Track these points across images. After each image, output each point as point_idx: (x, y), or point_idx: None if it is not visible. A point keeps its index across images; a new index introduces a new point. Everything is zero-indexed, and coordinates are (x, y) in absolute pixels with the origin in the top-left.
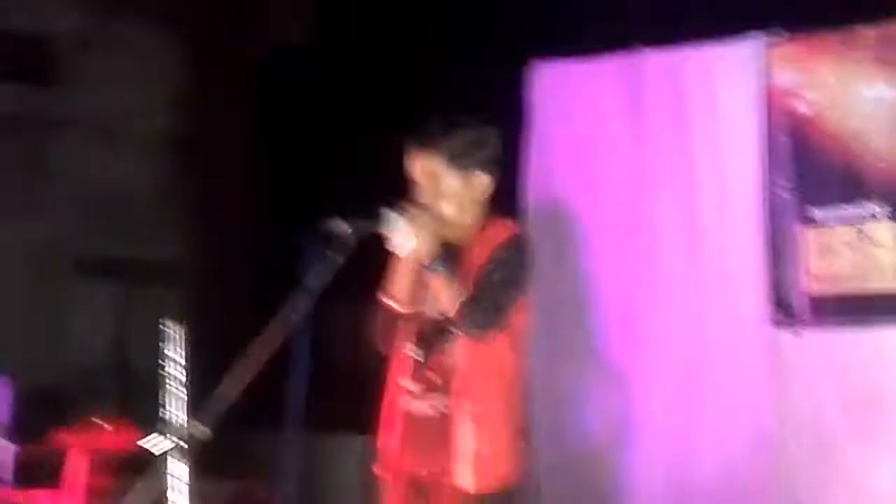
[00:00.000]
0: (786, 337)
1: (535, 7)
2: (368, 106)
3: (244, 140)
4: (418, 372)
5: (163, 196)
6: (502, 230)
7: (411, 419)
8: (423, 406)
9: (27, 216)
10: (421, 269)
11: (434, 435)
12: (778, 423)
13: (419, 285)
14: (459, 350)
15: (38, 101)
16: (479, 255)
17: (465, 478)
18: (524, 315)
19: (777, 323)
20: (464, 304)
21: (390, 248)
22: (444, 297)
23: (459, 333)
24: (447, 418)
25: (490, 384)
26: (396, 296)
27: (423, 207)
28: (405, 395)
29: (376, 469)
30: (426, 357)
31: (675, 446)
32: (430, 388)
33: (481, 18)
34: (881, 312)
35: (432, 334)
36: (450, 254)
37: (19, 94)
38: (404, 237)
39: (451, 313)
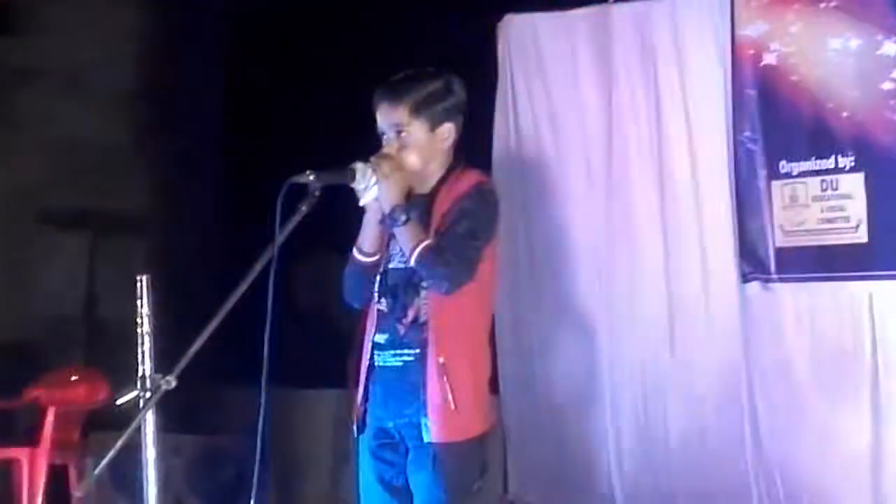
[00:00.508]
0: (754, 290)
1: None
2: (338, 59)
3: (213, 92)
4: (386, 324)
5: (131, 147)
6: (467, 180)
7: (380, 371)
8: (392, 358)
9: None
10: (387, 220)
11: (402, 387)
12: (747, 377)
13: (387, 237)
14: (426, 302)
15: (2, 52)
16: (443, 205)
17: (434, 428)
18: (491, 266)
19: (746, 276)
20: (429, 256)
21: (359, 201)
22: (410, 248)
23: (426, 285)
24: (414, 370)
25: (457, 335)
26: (364, 247)
27: (389, 157)
28: (374, 348)
29: (350, 423)
30: (394, 309)
31: (644, 400)
32: (399, 339)
33: None
34: (848, 265)
35: (400, 286)
36: (415, 204)
37: None
38: (369, 188)
39: (416, 264)
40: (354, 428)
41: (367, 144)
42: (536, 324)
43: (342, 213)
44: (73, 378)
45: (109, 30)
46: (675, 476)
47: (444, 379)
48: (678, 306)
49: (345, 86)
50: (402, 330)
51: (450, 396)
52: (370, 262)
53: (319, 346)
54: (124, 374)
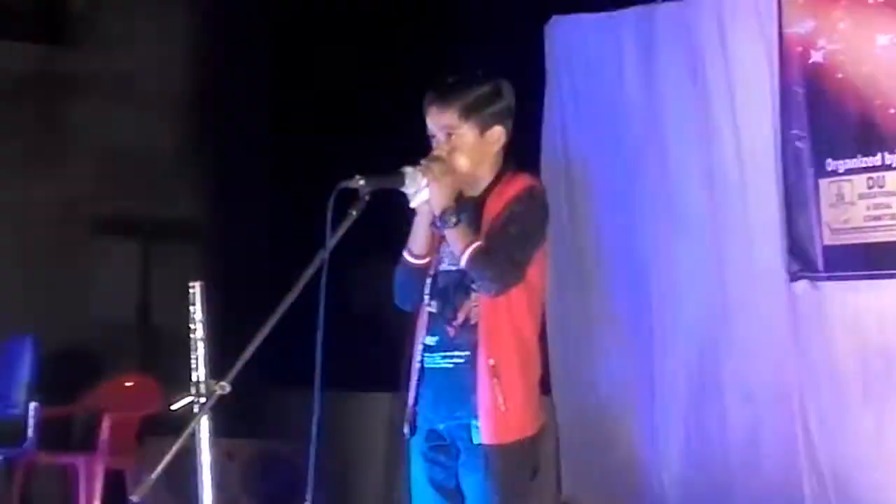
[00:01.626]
0: (803, 289)
1: None
2: (388, 64)
3: (263, 97)
4: (437, 326)
5: (182, 154)
6: (518, 183)
7: (430, 374)
8: (442, 360)
9: (46, 176)
10: (437, 223)
11: (453, 389)
12: (797, 376)
13: (437, 239)
14: (476, 304)
15: (53, 61)
16: (494, 208)
17: (484, 430)
18: (541, 268)
19: (794, 275)
20: (479, 258)
21: (409, 204)
22: (461, 251)
23: (476, 287)
24: (464, 373)
25: (507, 338)
26: (414, 250)
27: (439, 160)
28: (425, 350)
29: (403, 426)
30: (444, 311)
31: (694, 400)
32: (448, 342)
33: None
34: (894, 263)
35: (450, 288)
36: (466, 207)
37: (35, 53)
38: (420, 190)
39: (467, 265)
40: (406, 430)
41: (417, 148)
42: (586, 325)
43: (393, 216)
44: (128, 385)
45: (157, 37)
46: (728, 476)
47: (495, 381)
48: (727, 306)
49: (393, 89)
50: (451, 332)
51: (500, 398)
52: (421, 265)
53: (372, 350)
54: (179, 381)
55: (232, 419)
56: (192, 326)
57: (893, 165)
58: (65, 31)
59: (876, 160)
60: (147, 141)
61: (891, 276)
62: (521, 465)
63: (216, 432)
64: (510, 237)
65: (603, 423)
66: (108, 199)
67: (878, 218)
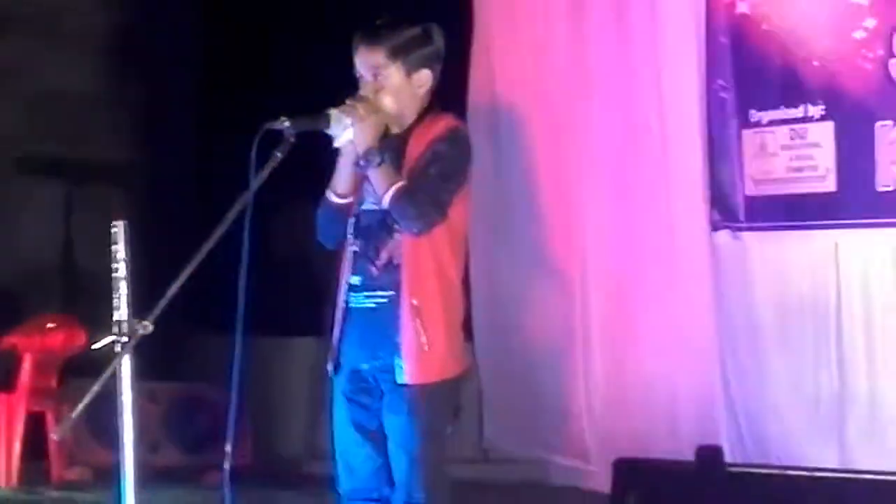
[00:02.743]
0: (724, 239)
1: None
2: (313, 7)
3: (189, 38)
4: (360, 266)
5: (107, 95)
6: (441, 123)
7: (354, 314)
8: (366, 300)
9: None
10: (360, 162)
11: (376, 329)
12: (715, 325)
13: (360, 179)
14: (399, 244)
15: None
16: (416, 148)
17: (407, 370)
18: (463, 210)
19: (716, 225)
20: (401, 197)
21: (333, 143)
22: (383, 189)
23: (398, 227)
24: (388, 312)
25: (430, 278)
26: (338, 189)
27: (365, 100)
28: (348, 289)
29: (328, 367)
30: (367, 251)
31: (614, 347)
32: (372, 281)
33: None
34: (815, 214)
35: (373, 228)
36: (389, 146)
37: None
38: (344, 130)
39: (389, 205)
40: (330, 367)
41: (342, 93)
42: (510, 273)
43: (317, 159)
44: (50, 325)
45: None
46: (647, 423)
47: (418, 321)
48: (648, 254)
49: (320, 33)
50: (375, 272)
51: (423, 338)
52: (343, 204)
53: (296, 294)
54: (102, 322)
55: (154, 361)
56: (114, 265)
57: (815, 117)
58: None
59: (798, 112)
60: (72, 81)
61: (810, 228)
62: (443, 405)
63: (138, 374)
64: (432, 177)
65: (525, 369)
66: (33, 139)
67: (799, 169)
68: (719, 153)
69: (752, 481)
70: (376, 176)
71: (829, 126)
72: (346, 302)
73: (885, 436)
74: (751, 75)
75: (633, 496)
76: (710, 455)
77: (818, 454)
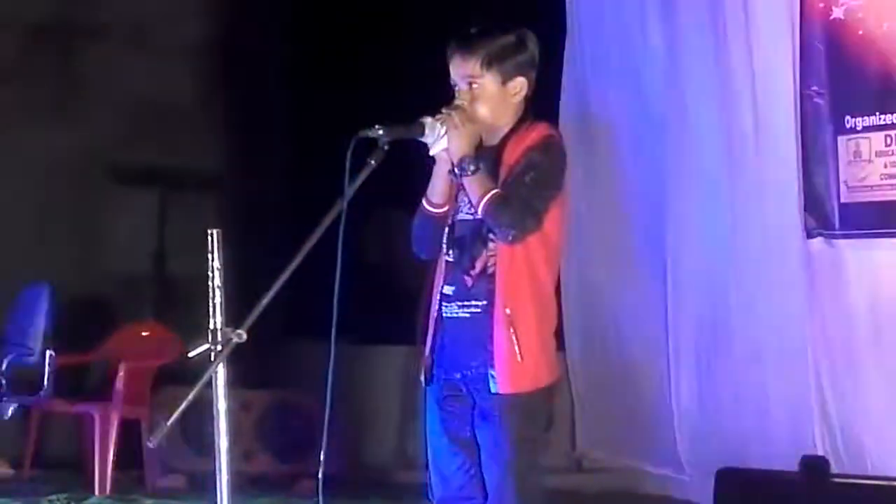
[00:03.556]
0: (818, 246)
1: None
2: (409, 15)
3: (283, 46)
4: (454, 275)
5: (200, 104)
6: (536, 132)
7: (448, 323)
8: (459, 309)
9: (63, 125)
10: (456, 171)
11: (469, 338)
12: (810, 332)
13: (455, 188)
14: (494, 253)
15: (70, 10)
16: (511, 156)
17: (500, 380)
18: (559, 219)
19: (810, 232)
20: (496, 205)
21: (429, 152)
22: (478, 197)
23: (493, 235)
24: (481, 322)
25: (524, 288)
26: (433, 198)
27: (460, 108)
28: (442, 299)
29: (418, 375)
30: (462, 260)
31: (707, 354)
32: (466, 291)
33: None
34: None
35: (468, 237)
36: (484, 155)
37: (53, 3)
38: (439, 139)
39: (484, 214)
40: (422, 379)
41: (438, 100)
42: (602, 281)
43: (412, 168)
44: (145, 333)
45: None
46: (740, 432)
47: (511, 330)
48: (742, 262)
49: (416, 41)
50: (469, 281)
51: (516, 348)
52: (439, 213)
53: (388, 302)
54: (195, 330)
55: (248, 369)
56: (209, 274)
57: None
58: None
59: (894, 118)
60: (166, 91)
61: None
62: (535, 415)
63: (232, 382)
64: (527, 185)
65: (618, 377)
66: (126, 148)
67: (894, 176)
68: (813, 159)
69: (859, 493)
70: (471, 184)
71: None
72: (440, 311)
73: None
74: (845, 81)
75: None
76: (816, 465)
77: None
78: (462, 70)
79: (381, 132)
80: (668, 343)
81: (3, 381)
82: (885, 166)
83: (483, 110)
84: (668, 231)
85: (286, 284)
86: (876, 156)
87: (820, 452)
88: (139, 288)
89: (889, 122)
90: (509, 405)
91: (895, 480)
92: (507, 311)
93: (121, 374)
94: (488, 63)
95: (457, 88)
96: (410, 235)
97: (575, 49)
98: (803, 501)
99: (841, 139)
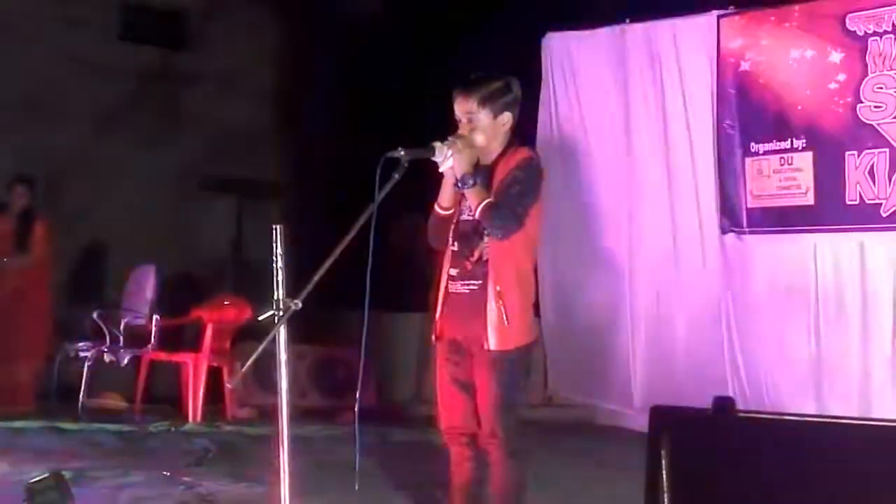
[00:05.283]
0: (731, 240)
1: None
2: (429, 69)
3: (330, 93)
4: (458, 261)
5: (267, 133)
6: (519, 154)
7: (452, 297)
8: (461, 287)
9: (166, 148)
10: (459, 184)
11: (469, 308)
12: (725, 304)
13: (459, 196)
14: (487, 245)
15: (173, 61)
16: (501, 173)
17: (492, 340)
18: (536, 220)
19: (724, 230)
20: (489, 211)
21: (439, 170)
22: (476, 204)
23: (487, 233)
24: (478, 296)
25: (509, 271)
26: (443, 204)
27: (462, 137)
28: (448, 279)
29: (431, 337)
30: (463, 250)
31: (652, 321)
32: (466, 273)
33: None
34: (799, 221)
35: (468, 234)
36: (480, 172)
37: (160, 55)
38: (447, 159)
39: (480, 217)
40: (433, 338)
41: (446, 129)
42: (570, 265)
43: (427, 181)
44: (225, 302)
45: (254, 42)
46: (675, 375)
47: (500, 302)
48: (677, 252)
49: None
50: (469, 266)
51: (504, 316)
52: (447, 215)
53: (408, 281)
54: (263, 300)
55: (302, 329)
56: (273, 258)
57: (799, 148)
58: (181, 38)
59: (787, 144)
60: (241, 123)
61: (795, 232)
62: (518, 365)
63: (290, 339)
64: (513, 196)
65: (581, 337)
66: (212, 165)
67: (787, 188)
68: (727, 175)
69: (756, 425)
70: (471, 194)
71: (809, 155)
72: (446, 288)
73: (852, 389)
74: (751, 117)
75: (665, 436)
76: (724, 404)
77: (799, 405)
78: (463, 107)
79: (402, 153)
80: (624, 310)
81: (121, 338)
82: (780, 181)
83: (479, 138)
84: (623, 229)
85: (331, 266)
86: (773, 173)
87: (730, 394)
88: (221, 268)
89: (783, 148)
90: (498, 358)
91: (784, 415)
92: (497, 288)
93: (208, 332)
94: (483, 102)
95: (460, 121)
96: (426, 231)
97: (548, 91)
98: (713, 431)
99: (748, 160)
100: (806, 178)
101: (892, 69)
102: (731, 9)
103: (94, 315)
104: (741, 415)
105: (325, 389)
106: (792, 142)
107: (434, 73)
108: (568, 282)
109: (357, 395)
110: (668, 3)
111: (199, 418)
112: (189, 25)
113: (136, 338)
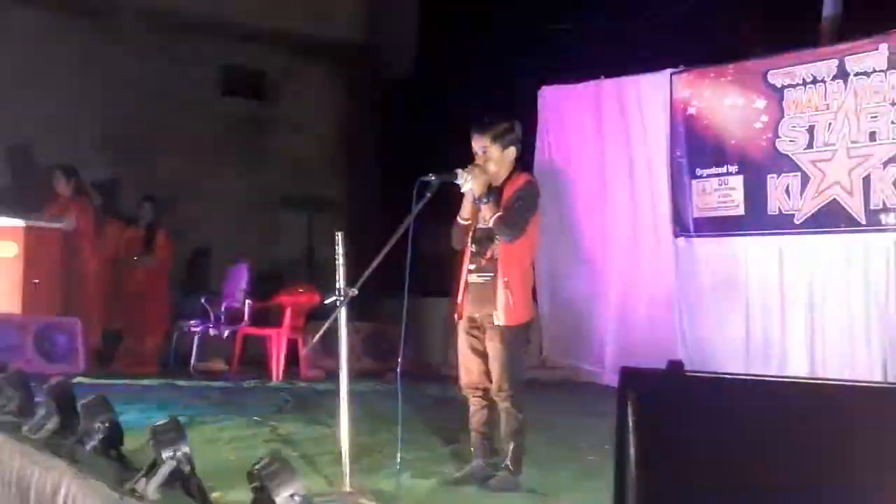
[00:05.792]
0: (682, 243)
1: (545, 56)
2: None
3: (378, 135)
4: (475, 259)
5: (331, 161)
6: (521, 178)
7: (470, 285)
8: (477, 278)
9: (252, 173)
10: (476, 201)
11: (483, 294)
12: (677, 293)
13: (476, 209)
14: (498, 247)
15: (259, 110)
16: (508, 192)
17: (501, 318)
18: (535, 228)
19: (676, 234)
20: (500, 220)
21: (461, 190)
22: (490, 216)
23: (498, 237)
24: (490, 285)
25: (515, 266)
26: (463, 215)
27: (478, 166)
28: (468, 272)
29: (454, 315)
30: (479, 250)
31: (622, 309)
32: (481, 268)
33: (515, 62)
34: (733, 228)
35: (483, 238)
36: (493, 192)
37: (249, 105)
38: (467, 182)
39: (493, 226)
40: (456, 316)
41: (466, 158)
42: (561, 261)
43: (452, 196)
44: (300, 290)
45: (319, 95)
46: (638, 345)
47: (507, 290)
48: (640, 252)
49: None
50: (483, 262)
51: (510, 300)
52: (466, 225)
53: (438, 273)
54: (329, 288)
55: (358, 310)
56: (336, 257)
57: (732, 173)
58: (263, 91)
59: (723, 169)
60: (311, 154)
61: (731, 236)
62: (520, 337)
63: (349, 317)
64: (517, 210)
65: (568, 316)
66: (290, 187)
67: (724, 202)
68: (679, 193)
69: (700, 381)
70: (485, 208)
71: (740, 178)
72: (466, 279)
73: (772, 359)
74: (696, 149)
75: (631, 390)
76: (676, 366)
77: (732, 369)
78: (479, 143)
79: (433, 178)
80: (600, 295)
81: (222, 317)
82: (719, 197)
83: (491, 167)
84: (600, 233)
85: (379, 263)
86: (713, 191)
87: (680, 355)
88: (297, 266)
89: (720, 172)
90: (506, 331)
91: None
92: (505, 279)
93: (287, 313)
94: (494, 139)
95: (476, 154)
96: (451, 237)
97: (543, 131)
98: (667, 386)
99: (694, 182)
100: (738, 195)
101: (803, 112)
102: (681, 67)
103: (202, 300)
104: (688, 374)
105: (374, 356)
106: (727, 168)
107: (455, 118)
108: (558, 274)
109: (398, 360)
110: (633, 63)
111: (280, 377)
112: (270, 82)
113: (234, 317)
